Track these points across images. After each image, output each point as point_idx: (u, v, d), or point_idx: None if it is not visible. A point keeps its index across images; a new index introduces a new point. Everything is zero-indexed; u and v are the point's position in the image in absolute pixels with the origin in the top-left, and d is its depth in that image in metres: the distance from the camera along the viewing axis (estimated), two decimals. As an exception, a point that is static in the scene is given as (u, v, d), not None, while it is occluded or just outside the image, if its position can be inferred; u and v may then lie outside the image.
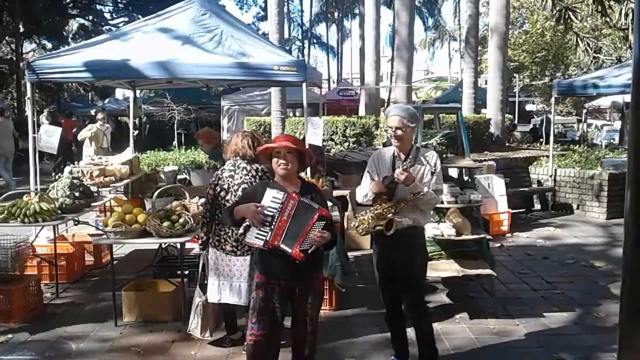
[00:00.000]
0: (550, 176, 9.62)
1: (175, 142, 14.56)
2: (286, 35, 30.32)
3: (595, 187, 8.85)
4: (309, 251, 2.98)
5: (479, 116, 14.60)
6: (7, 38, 25.23)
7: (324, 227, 3.00)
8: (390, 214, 3.44)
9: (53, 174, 9.88)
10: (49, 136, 6.79)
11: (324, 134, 10.70)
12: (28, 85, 6.33)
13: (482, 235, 4.85)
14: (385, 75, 38.77)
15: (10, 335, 4.39)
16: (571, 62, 25.34)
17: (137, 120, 17.48)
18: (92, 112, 21.12)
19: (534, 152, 12.48)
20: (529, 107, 32.00)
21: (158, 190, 5.08)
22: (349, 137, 12.50)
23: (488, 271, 4.75)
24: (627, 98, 10.78)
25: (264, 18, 38.11)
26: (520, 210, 9.19)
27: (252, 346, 3.14)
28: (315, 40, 48.84)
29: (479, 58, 17.63)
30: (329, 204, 4.10)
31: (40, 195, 5.35)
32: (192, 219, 4.47)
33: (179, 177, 8.74)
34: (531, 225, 8.41)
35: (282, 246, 2.99)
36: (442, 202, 4.50)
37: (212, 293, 3.94)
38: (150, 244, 4.79)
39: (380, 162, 3.62)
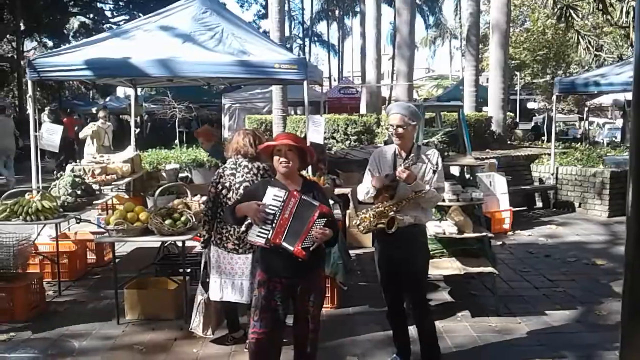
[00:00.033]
0: (552, 174, 9.61)
1: (176, 141, 14.57)
2: (287, 34, 30.32)
3: (597, 185, 8.84)
4: (311, 248, 2.98)
5: (481, 114, 14.60)
6: (8, 36, 25.24)
7: (325, 224, 3.00)
8: (392, 212, 3.44)
9: (55, 172, 9.90)
10: (51, 134, 6.79)
11: (325, 132, 10.72)
12: (29, 83, 6.33)
13: (484, 233, 4.85)
14: (387, 73, 38.79)
15: (12, 334, 4.39)
16: (572, 60, 25.28)
17: (138, 119, 17.50)
18: (94, 110, 21.18)
19: (535, 150, 12.48)
20: (530, 105, 32.01)
21: (160, 189, 5.08)
22: (350, 135, 12.51)
23: (490, 269, 4.75)
24: (629, 96, 10.75)
25: (264, 16, 38.08)
26: (522, 208, 9.18)
27: (254, 344, 3.14)
28: (316, 39, 48.88)
29: (480, 56, 17.62)
30: (331, 202, 4.11)
31: (42, 193, 5.36)
32: (193, 217, 4.47)
33: (180, 175, 8.75)
34: (533, 223, 8.41)
35: (284, 244, 2.99)
36: (443, 200, 4.49)
37: (214, 291, 3.94)
38: (152, 242, 4.80)
39: (381, 160, 3.62)
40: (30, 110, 6.69)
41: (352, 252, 6.16)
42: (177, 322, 4.51)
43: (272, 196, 3.02)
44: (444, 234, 4.71)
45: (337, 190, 6.97)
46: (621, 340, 1.84)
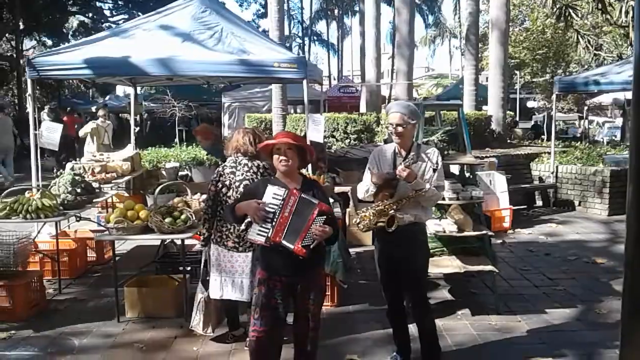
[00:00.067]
0: (552, 173, 9.61)
1: (176, 139, 14.56)
2: (286, 33, 30.25)
3: (597, 184, 8.85)
4: (311, 246, 2.98)
5: (480, 113, 14.59)
6: (7, 35, 25.21)
7: (325, 221, 3.00)
8: (392, 211, 3.44)
9: (55, 170, 9.90)
10: (50, 133, 6.79)
11: (325, 131, 10.71)
12: (29, 82, 6.33)
13: (484, 232, 4.85)
14: (386, 73, 38.78)
15: (13, 331, 4.40)
16: (572, 60, 25.29)
17: (138, 117, 17.48)
18: (93, 109, 21.16)
19: (535, 149, 12.48)
20: (530, 104, 32.03)
21: (160, 187, 5.09)
22: (350, 134, 12.51)
23: (490, 267, 4.75)
24: (629, 95, 10.78)
25: (264, 15, 38.09)
26: (522, 206, 9.19)
27: (254, 342, 3.15)
28: (315, 38, 48.85)
29: (479, 55, 17.61)
30: (331, 200, 4.11)
31: (42, 191, 5.36)
32: (193, 215, 4.48)
33: (180, 173, 8.75)
34: (533, 221, 8.41)
35: (284, 242, 2.99)
36: (443, 199, 4.49)
37: (214, 289, 3.95)
38: (152, 240, 4.80)
39: (381, 159, 3.63)
40: (29, 108, 6.69)
41: (352, 250, 6.16)
42: (177, 320, 4.52)
43: (272, 194, 3.02)
44: (444, 232, 4.71)
45: (337, 189, 6.97)
46: (621, 338, 1.83)
